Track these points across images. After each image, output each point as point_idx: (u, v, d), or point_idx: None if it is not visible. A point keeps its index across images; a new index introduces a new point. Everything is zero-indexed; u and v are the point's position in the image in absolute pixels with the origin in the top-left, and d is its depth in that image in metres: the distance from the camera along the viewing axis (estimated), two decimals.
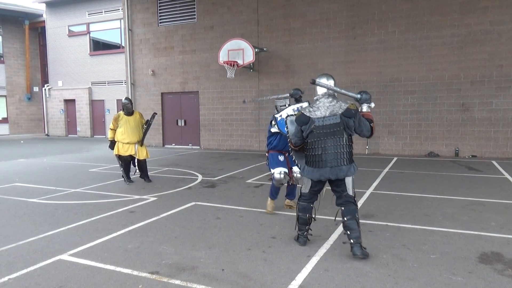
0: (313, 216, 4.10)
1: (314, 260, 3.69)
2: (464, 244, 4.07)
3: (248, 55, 12.55)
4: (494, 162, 10.08)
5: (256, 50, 12.91)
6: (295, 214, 4.18)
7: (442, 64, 11.37)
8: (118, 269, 3.53)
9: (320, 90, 3.96)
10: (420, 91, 11.68)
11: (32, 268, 3.57)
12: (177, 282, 3.26)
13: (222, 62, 12.89)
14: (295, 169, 5.40)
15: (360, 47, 12.22)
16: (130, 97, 15.30)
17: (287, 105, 5.20)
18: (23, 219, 5.24)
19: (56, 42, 22.08)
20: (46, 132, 22.83)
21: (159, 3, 15.30)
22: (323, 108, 3.83)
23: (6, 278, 3.36)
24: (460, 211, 5.36)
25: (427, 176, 8.24)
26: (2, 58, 22.99)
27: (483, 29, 10.88)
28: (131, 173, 7.93)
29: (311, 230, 4.14)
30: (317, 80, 3.96)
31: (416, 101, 11.73)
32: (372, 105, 3.95)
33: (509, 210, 5.39)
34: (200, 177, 8.35)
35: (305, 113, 3.89)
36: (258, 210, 5.57)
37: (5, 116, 23.19)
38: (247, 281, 3.26)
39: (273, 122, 5.14)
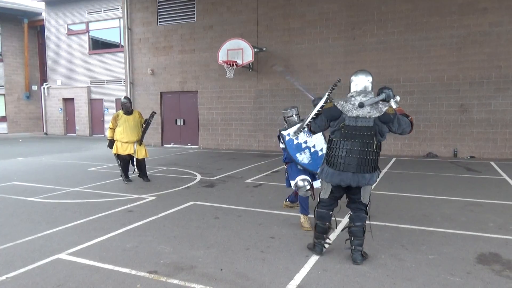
0: (332, 225, 3.81)
1: (312, 260, 3.69)
2: (462, 245, 4.07)
3: (247, 54, 12.55)
4: (492, 163, 10.10)
5: (256, 50, 12.92)
6: (313, 221, 3.84)
7: (441, 65, 11.39)
8: (117, 268, 3.53)
9: (355, 87, 3.57)
10: (419, 92, 11.70)
11: (30, 267, 3.56)
12: (176, 281, 3.26)
13: (221, 61, 12.88)
14: (316, 184, 4.85)
15: (359, 48, 12.23)
16: (129, 97, 15.28)
17: (294, 116, 4.85)
18: (21, 218, 5.23)
19: (55, 41, 22.05)
20: (44, 131, 22.79)
21: (159, 2, 15.29)
22: (359, 107, 3.43)
23: (4, 277, 3.35)
24: (458, 212, 5.37)
25: (425, 176, 8.25)
26: (0, 57, 22.92)
27: (482, 30, 10.90)
28: (130, 172, 7.93)
29: (329, 239, 3.90)
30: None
31: (415, 101, 11.75)
32: (398, 98, 3.60)
33: (507, 211, 5.40)
34: (198, 177, 8.35)
35: (337, 106, 3.48)
36: (257, 210, 5.57)
37: (4, 114, 23.12)
38: (245, 281, 3.26)
39: (281, 139, 4.77)
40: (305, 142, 4.37)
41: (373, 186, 3.56)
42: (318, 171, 3.69)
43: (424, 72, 11.60)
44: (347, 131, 3.42)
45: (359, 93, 3.52)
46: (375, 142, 3.41)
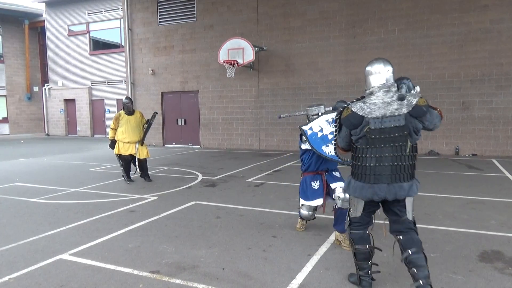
0: (374, 245, 3.09)
1: (314, 259, 3.69)
2: (464, 243, 4.07)
3: (248, 54, 12.54)
4: (494, 161, 10.08)
5: (256, 49, 12.90)
6: (351, 250, 3.15)
7: (442, 62, 11.36)
8: (119, 268, 3.53)
9: (374, 80, 2.94)
10: (420, 90, 11.64)
11: (32, 267, 3.57)
12: (178, 281, 3.26)
13: (222, 61, 12.88)
14: (339, 191, 4.08)
15: (360, 46, 12.21)
16: (130, 97, 15.28)
17: (320, 114, 4.16)
18: (23, 218, 5.24)
19: (56, 42, 22.07)
20: (46, 132, 22.83)
21: (159, 2, 15.29)
22: (382, 104, 2.83)
23: (6, 278, 3.36)
24: (460, 210, 5.36)
25: (427, 174, 8.23)
26: (2, 58, 22.97)
27: (483, 27, 10.87)
28: (131, 172, 7.94)
29: (376, 264, 3.15)
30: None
31: None
32: (418, 88, 3.05)
33: (509, 209, 5.38)
34: (200, 176, 8.36)
35: (355, 111, 2.88)
36: (259, 209, 5.57)
37: (5, 116, 23.19)
38: (248, 280, 3.26)
39: (303, 137, 4.10)
40: (332, 132, 3.82)
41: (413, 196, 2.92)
42: (344, 186, 3.10)
43: (425, 70, 11.58)
44: (374, 136, 2.81)
45: (380, 88, 2.90)
46: (409, 143, 2.79)
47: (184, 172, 8.96)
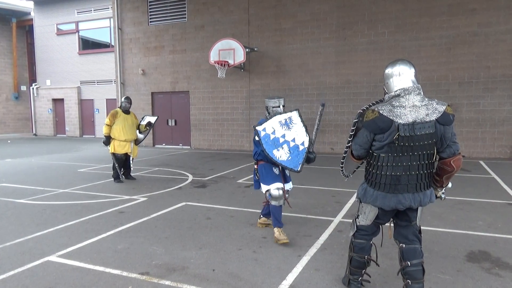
0: (374, 258, 3.02)
1: (304, 260, 3.70)
2: (452, 243, 4.12)
3: (239, 55, 12.53)
4: (481, 162, 10.23)
5: (247, 50, 12.90)
6: (347, 254, 3.11)
7: (431, 65, 11.50)
8: (108, 270, 3.50)
9: (399, 83, 2.69)
10: None
11: (19, 269, 3.52)
12: (168, 282, 3.24)
13: (213, 61, 12.85)
14: (289, 186, 4.36)
15: (350, 48, 12.30)
16: (120, 97, 15.24)
17: (281, 107, 4.17)
18: (10, 220, 5.16)
19: (44, 41, 21.78)
20: (33, 132, 22.52)
21: (149, 2, 15.20)
22: (412, 109, 2.61)
23: None
24: (448, 211, 5.43)
25: None
26: None
27: (471, 31, 11.03)
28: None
29: (368, 274, 3.12)
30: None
31: None
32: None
33: (496, 210, 5.47)
34: (190, 177, 8.32)
35: (384, 114, 2.63)
36: (249, 210, 5.57)
37: None
38: (238, 281, 3.26)
39: (256, 135, 4.01)
40: (283, 136, 3.77)
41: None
42: (359, 192, 2.93)
43: None
44: (403, 144, 2.61)
45: (408, 91, 2.65)
46: (435, 151, 2.68)
47: (174, 173, 8.92)
